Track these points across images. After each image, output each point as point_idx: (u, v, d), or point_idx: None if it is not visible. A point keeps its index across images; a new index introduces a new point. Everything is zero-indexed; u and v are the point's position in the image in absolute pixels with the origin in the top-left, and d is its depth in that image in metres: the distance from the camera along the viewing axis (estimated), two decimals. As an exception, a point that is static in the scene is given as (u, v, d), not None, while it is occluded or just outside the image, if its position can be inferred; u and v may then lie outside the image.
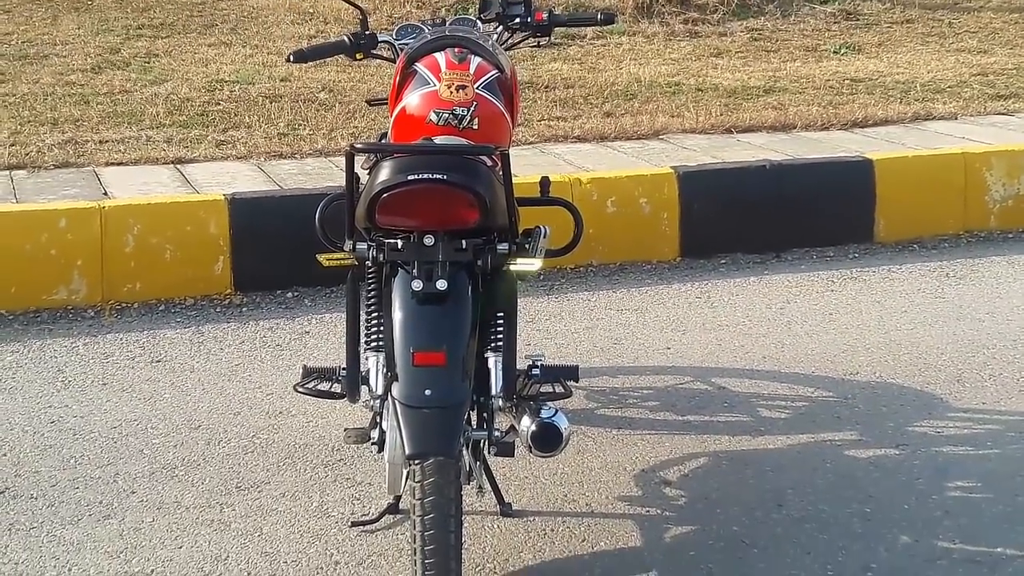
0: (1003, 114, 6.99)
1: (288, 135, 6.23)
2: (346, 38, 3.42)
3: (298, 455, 3.62)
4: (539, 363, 2.92)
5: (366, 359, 2.82)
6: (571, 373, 2.91)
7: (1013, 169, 5.79)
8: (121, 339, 4.52)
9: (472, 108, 2.90)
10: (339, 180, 5.38)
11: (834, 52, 8.86)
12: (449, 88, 2.91)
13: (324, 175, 5.55)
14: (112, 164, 5.68)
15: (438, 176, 2.58)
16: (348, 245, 2.75)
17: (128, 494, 3.41)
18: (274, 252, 4.99)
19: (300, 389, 2.87)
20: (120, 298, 4.81)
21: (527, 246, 2.79)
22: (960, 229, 5.75)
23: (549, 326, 4.67)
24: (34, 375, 4.19)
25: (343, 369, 2.92)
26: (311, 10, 9.04)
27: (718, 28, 9.33)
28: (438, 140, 2.87)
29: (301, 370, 3.04)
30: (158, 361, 4.34)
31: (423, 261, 2.64)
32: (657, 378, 4.18)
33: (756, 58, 8.59)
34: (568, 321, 4.73)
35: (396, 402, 2.51)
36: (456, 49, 3.03)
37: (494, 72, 3.02)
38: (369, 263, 2.77)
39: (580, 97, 7.22)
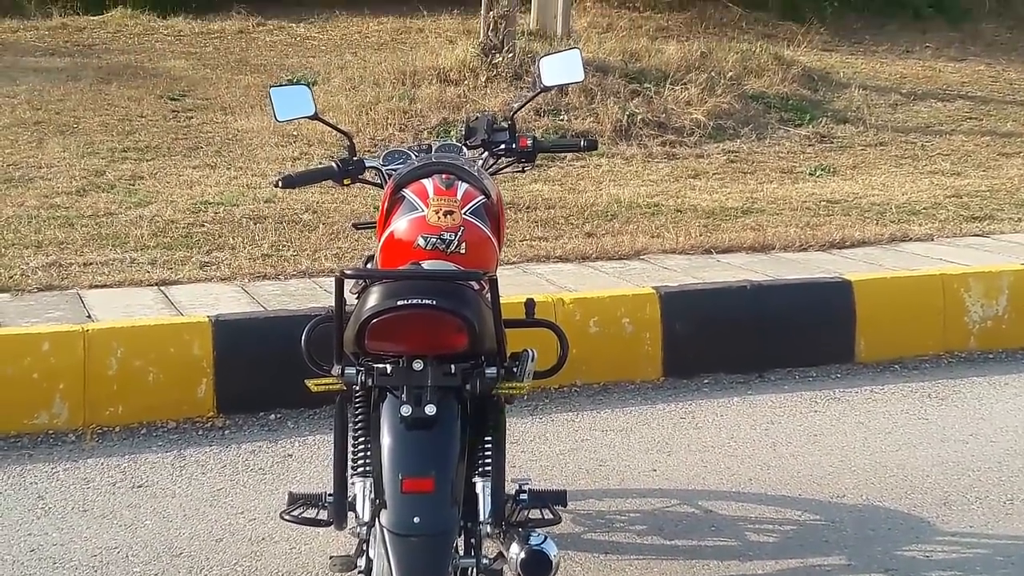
0: (979, 235, 7.08)
1: (272, 256, 6.25)
2: (334, 164, 3.47)
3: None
4: (526, 487, 2.91)
5: (352, 484, 2.81)
6: (559, 498, 2.90)
7: (991, 290, 5.85)
8: (102, 464, 4.48)
9: (459, 233, 2.93)
10: (323, 301, 5.42)
11: (809, 174, 8.99)
12: (437, 213, 2.95)
13: (308, 296, 5.57)
14: (96, 286, 5.68)
15: (427, 301, 2.62)
16: (336, 369, 2.76)
17: (108, 624, 3.35)
18: (257, 374, 4.98)
19: (286, 517, 2.85)
20: (102, 422, 4.78)
21: (515, 370, 2.81)
22: (940, 350, 5.79)
23: (534, 448, 4.66)
24: (14, 502, 4.14)
25: (329, 495, 2.90)
26: (295, 133, 9.13)
27: (695, 150, 9.47)
28: (426, 265, 2.90)
29: (287, 496, 3.02)
30: (140, 486, 4.30)
31: (412, 386, 2.66)
32: (644, 501, 4.16)
33: (733, 179, 8.71)
34: (553, 442, 4.72)
35: (384, 529, 2.50)
36: (443, 175, 3.07)
37: (481, 198, 3.06)
38: (357, 388, 2.77)
39: (561, 217, 7.29)
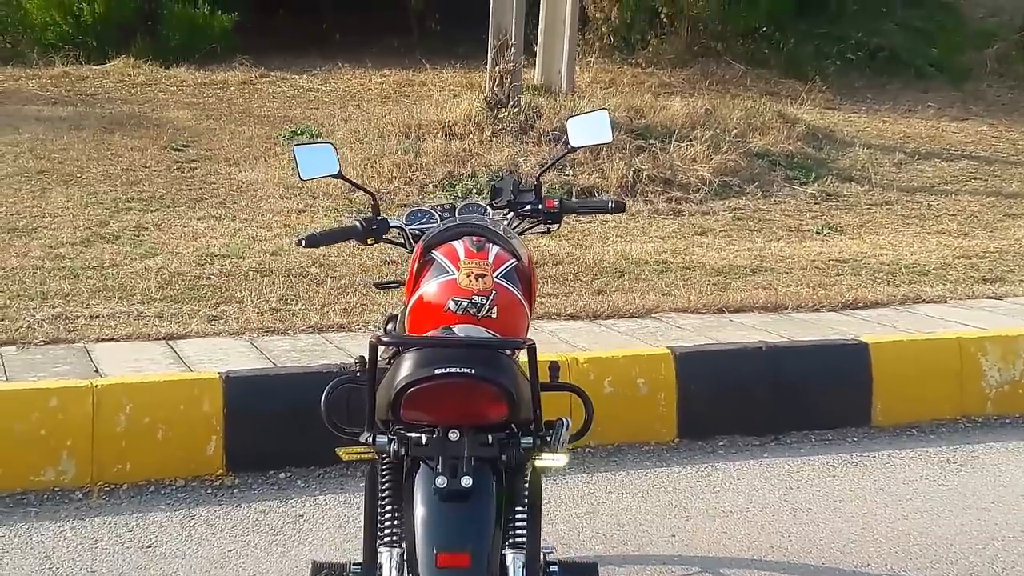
0: (992, 298, 7.04)
1: (280, 310, 6.19)
2: (358, 223, 3.41)
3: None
4: (553, 558, 2.83)
5: (380, 554, 2.73)
6: (591, 571, 2.82)
7: (1008, 354, 5.80)
8: (110, 522, 4.39)
9: (491, 297, 2.87)
10: (333, 357, 5.36)
11: (816, 232, 8.96)
12: (468, 277, 2.89)
13: (318, 352, 5.50)
14: (103, 340, 5.60)
15: (465, 370, 2.56)
16: (367, 436, 2.69)
17: None
18: (267, 431, 4.90)
19: None
20: (110, 479, 4.69)
21: (549, 438, 2.74)
22: (957, 414, 5.73)
23: (549, 510, 4.53)
24: (20, 561, 4.05)
25: (355, 564, 2.82)
26: (299, 186, 9.08)
27: (701, 207, 9.44)
28: (457, 329, 2.83)
29: (311, 566, 2.93)
30: (148, 547, 4.21)
31: (447, 456, 2.59)
32: (665, 569, 4.08)
33: (740, 237, 8.68)
34: (568, 505, 4.64)
35: (419, 607, 2.43)
36: (474, 238, 3.01)
37: (512, 261, 3.00)
38: (390, 456, 2.69)
39: (570, 274, 7.24)
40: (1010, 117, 13.80)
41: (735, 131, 10.62)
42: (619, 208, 3.61)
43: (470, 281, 2.88)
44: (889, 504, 4.70)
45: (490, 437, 2.65)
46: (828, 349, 5.69)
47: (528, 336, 2.89)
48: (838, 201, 9.96)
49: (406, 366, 2.59)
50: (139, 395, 4.79)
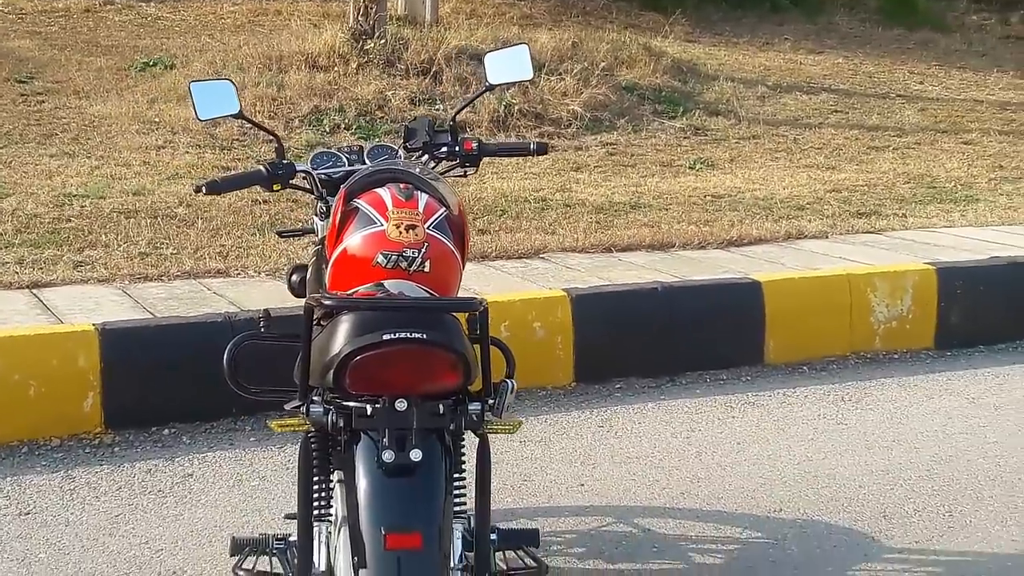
0: (870, 232, 7.07)
1: (151, 255, 5.86)
2: (263, 168, 3.16)
3: (204, 624, 3.26)
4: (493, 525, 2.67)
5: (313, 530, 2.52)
6: (532, 538, 2.66)
7: (895, 290, 5.81)
8: (-18, 488, 4.08)
9: (423, 249, 2.66)
10: (213, 305, 5.09)
11: (689, 167, 8.91)
12: (398, 228, 2.67)
13: (196, 299, 5.20)
14: (-41, 289, 5.22)
15: (416, 335, 2.35)
16: (300, 407, 2.47)
17: None
18: (148, 386, 4.62)
19: (240, 572, 2.52)
20: (-24, 440, 4.37)
21: (492, 402, 2.57)
22: (847, 351, 5.73)
23: (450, 462, 4.40)
24: None
25: (277, 540, 2.62)
26: (156, 119, 8.68)
27: (574, 141, 9.31)
28: (388, 285, 2.62)
29: (230, 542, 2.71)
30: (27, 514, 3.91)
31: (394, 428, 2.38)
32: (578, 520, 3.95)
33: (615, 172, 8.58)
34: (470, 454, 4.46)
35: (365, 594, 2.24)
36: (401, 185, 2.79)
37: (443, 210, 2.79)
38: (327, 429, 2.48)
39: (448, 213, 7.03)
40: (864, 49, 14.00)
41: (603, 64, 10.50)
42: (542, 150, 3.44)
43: (400, 233, 2.66)
44: (792, 445, 4.65)
45: (440, 406, 2.45)
46: (721, 288, 5.62)
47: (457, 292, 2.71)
48: (707, 135, 9.94)
49: (346, 331, 2.37)
50: (7, 350, 4.46)
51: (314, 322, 2.50)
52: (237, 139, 8.42)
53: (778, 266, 6.09)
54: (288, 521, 3.43)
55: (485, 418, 2.55)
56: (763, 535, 3.89)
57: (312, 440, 2.52)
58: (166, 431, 4.60)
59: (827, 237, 6.90)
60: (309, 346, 2.42)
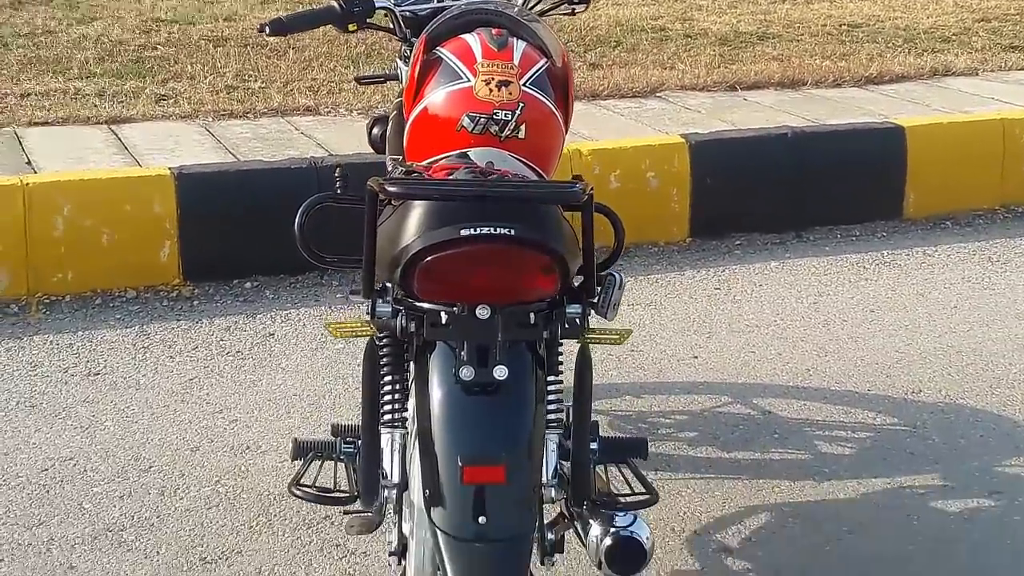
0: (1025, 69, 6.41)
1: (237, 88, 5.48)
2: (336, 4, 2.72)
3: (274, 511, 2.95)
4: (594, 432, 2.24)
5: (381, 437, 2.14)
6: (639, 448, 2.26)
7: (1055, 135, 5.21)
8: (51, 343, 3.82)
9: (518, 111, 2.21)
10: (300, 148, 4.72)
11: (823, -9, 8.20)
12: (488, 84, 2.22)
13: (283, 140, 4.84)
14: (36, 123, 4.92)
15: (503, 230, 1.91)
16: (364, 306, 2.06)
17: (66, 570, 2.74)
18: (229, 235, 4.30)
19: (297, 491, 2.13)
20: (49, 290, 4.10)
21: (597, 300, 2.14)
22: (996, 203, 5.18)
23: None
24: (-55, 395, 3.49)
25: (345, 443, 2.26)
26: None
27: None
28: (474, 154, 2.19)
29: (291, 444, 2.35)
30: (96, 374, 3.65)
31: (475, 340, 1.97)
32: (689, 399, 3.56)
33: (741, -1, 7.93)
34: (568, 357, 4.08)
35: (439, 531, 1.87)
36: (493, 31, 2.33)
37: (543, 61, 2.32)
38: (395, 334, 2.06)
39: (559, 44, 6.52)
40: None
41: None
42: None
43: (490, 90, 2.22)
44: (932, 313, 4.18)
45: (532, 315, 2.01)
46: (858, 134, 5.06)
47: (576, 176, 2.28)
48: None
49: (416, 221, 1.95)
50: (79, 194, 4.16)
51: (380, 202, 2.09)
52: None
53: (922, 108, 5.50)
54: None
55: (587, 323, 2.11)
56: (899, 421, 3.46)
57: (380, 345, 2.13)
58: (248, 284, 4.29)
59: (977, 74, 6.24)
60: (374, 234, 1.98)
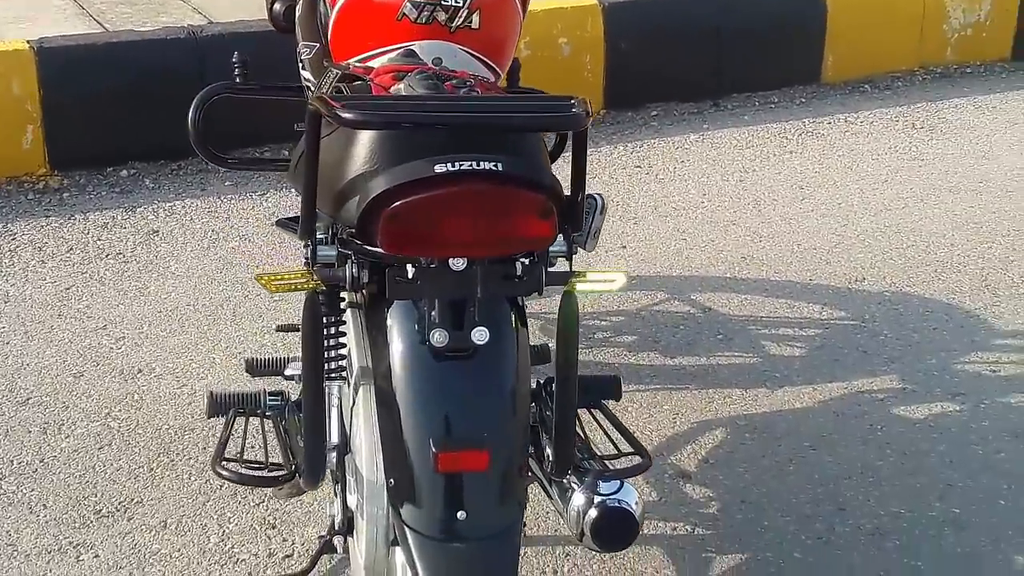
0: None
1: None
2: None
3: (176, 449, 2.61)
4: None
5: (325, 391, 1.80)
6: (610, 387, 1.96)
7: (976, -10, 4.98)
8: (-98, 250, 3.39)
9: None
10: (174, 15, 4.25)
11: None
12: None
13: (154, 5, 4.35)
14: None
15: (488, 164, 1.52)
16: (305, 250, 1.68)
17: (-63, 530, 2.38)
18: (100, 117, 3.86)
19: (223, 472, 1.76)
20: None
21: (577, 235, 1.80)
22: (915, 65, 4.95)
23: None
24: None
25: (272, 396, 1.93)
26: None
27: None
28: (420, 50, 1.83)
29: (206, 399, 2.00)
30: (-44, 286, 3.24)
31: (448, 296, 1.60)
32: (623, 296, 3.28)
33: None
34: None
35: (408, 528, 1.55)
36: None
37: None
38: (346, 285, 1.67)
39: None
40: None
41: None
42: None
43: (436, -30, 1.85)
44: (864, 189, 3.96)
45: (518, 264, 1.63)
46: (777, -6, 4.77)
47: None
48: None
49: (375, 151, 1.57)
50: (-77, 77, 3.67)
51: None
52: None
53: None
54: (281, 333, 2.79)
55: (572, 267, 1.72)
56: (846, 314, 3.24)
57: (324, 299, 1.72)
58: (124, 172, 3.88)
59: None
60: (315, 163, 1.58)
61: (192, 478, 2.52)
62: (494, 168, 1.52)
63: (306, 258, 1.66)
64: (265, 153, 3.98)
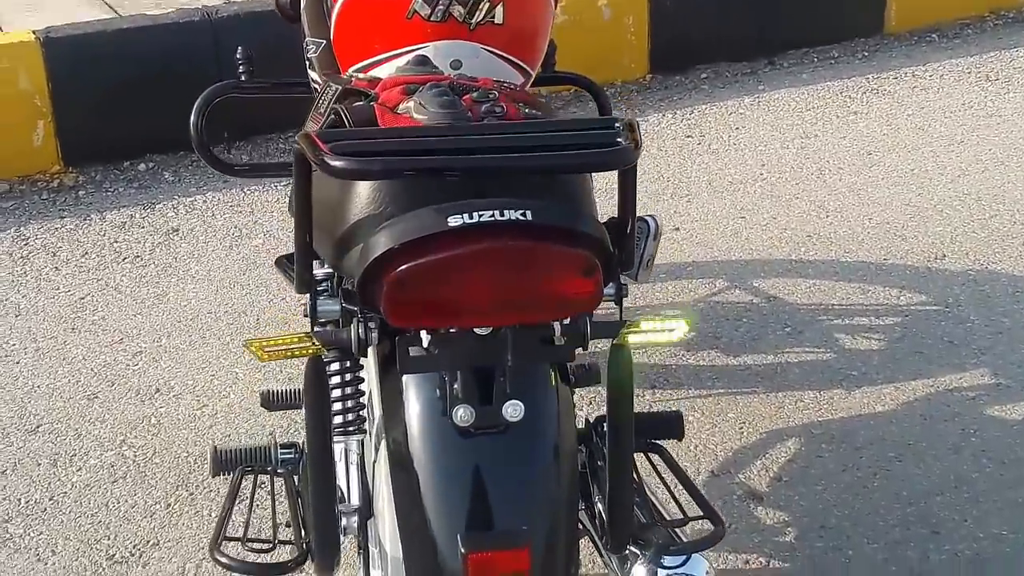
0: None
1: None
2: None
3: (195, 481, 2.38)
4: None
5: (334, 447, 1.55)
6: (672, 425, 1.69)
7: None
8: (-91, 260, 3.19)
9: None
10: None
11: None
12: None
13: (170, -15, 4.10)
14: None
15: (514, 214, 1.23)
16: (305, 305, 1.40)
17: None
18: (114, 108, 3.63)
19: (222, 558, 1.46)
20: (-99, 191, 3.44)
21: (630, 272, 1.52)
22: (985, 10, 4.61)
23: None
24: None
25: (283, 450, 1.69)
26: None
27: None
28: (434, 52, 1.56)
29: (210, 455, 1.77)
30: (-37, 299, 3.03)
31: (473, 368, 1.32)
32: (678, 285, 3.02)
33: None
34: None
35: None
36: None
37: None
38: (351, 348, 1.39)
39: None
40: None
41: None
42: None
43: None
44: (938, 152, 3.65)
45: (556, 326, 1.35)
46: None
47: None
48: None
49: (377, 196, 1.30)
50: (-75, 74, 3.45)
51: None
52: None
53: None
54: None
55: (622, 315, 1.45)
56: (927, 298, 2.95)
57: (327, 363, 1.46)
58: (141, 166, 3.66)
59: None
60: (309, 206, 1.32)
61: (212, 514, 2.29)
62: (521, 218, 1.24)
63: (305, 314, 1.40)
64: (279, 144, 3.73)
